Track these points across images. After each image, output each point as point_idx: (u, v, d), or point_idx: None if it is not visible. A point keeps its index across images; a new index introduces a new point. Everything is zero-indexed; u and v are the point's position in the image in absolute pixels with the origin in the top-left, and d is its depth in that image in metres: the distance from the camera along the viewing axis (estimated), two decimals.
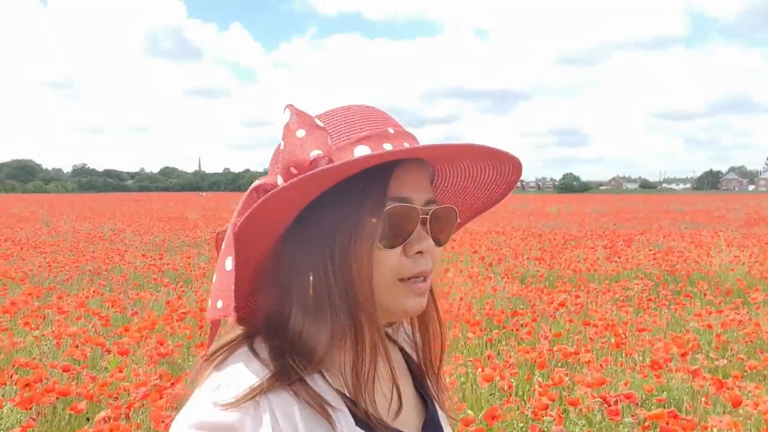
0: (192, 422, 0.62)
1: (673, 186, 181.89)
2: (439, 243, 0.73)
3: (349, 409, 0.68)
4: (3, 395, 3.70)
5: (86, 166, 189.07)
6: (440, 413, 0.82)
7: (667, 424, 2.82)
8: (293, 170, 0.65)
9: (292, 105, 0.69)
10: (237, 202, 0.69)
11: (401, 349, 0.85)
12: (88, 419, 3.35)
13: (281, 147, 0.68)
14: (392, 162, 0.69)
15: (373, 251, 0.68)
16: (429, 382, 0.83)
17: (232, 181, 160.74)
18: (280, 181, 0.67)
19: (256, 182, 0.69)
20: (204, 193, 78.73)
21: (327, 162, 0.65)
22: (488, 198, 0.85)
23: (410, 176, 0.71)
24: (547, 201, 48.78)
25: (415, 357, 0.84)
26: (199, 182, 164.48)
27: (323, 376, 0.69)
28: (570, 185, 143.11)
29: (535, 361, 3.90)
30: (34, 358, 4.33)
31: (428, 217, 0.71)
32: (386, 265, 0.69)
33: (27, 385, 3.48)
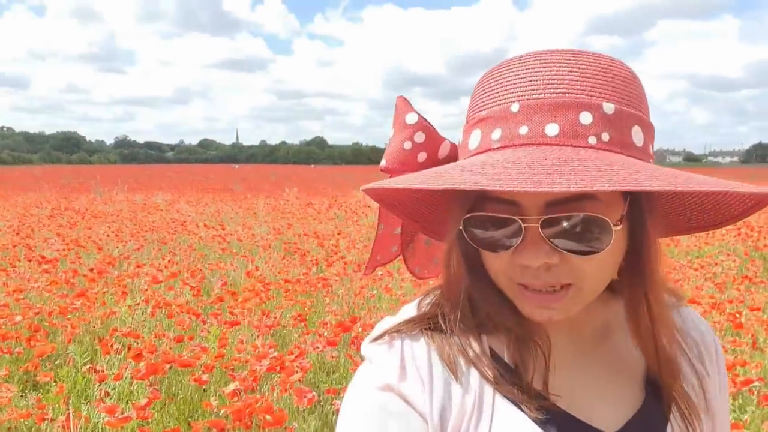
0: (362, 353, 0.68)
1: (719, 159, 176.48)
2: (577, 252, 0.56)
3: (501, 375, 0.62)
4: (108, 366, 3.68)
5: (128, 138, 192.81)
6: (676, 422, 0.65)
7: None
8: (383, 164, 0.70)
9: (401, 97, 0.69)
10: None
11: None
12: (204, 390, 3.30)
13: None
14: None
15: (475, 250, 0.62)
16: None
17: (269, 154, 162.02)
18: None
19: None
20: (236, 166, 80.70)
21: (388, 172, 0.68)
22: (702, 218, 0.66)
23: None
24: None
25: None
26: (237, 154, 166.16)
27: (480, 336, 0.65)
28: None
29: None
30: (130, 328, 4.32)
31: (538, 225, 0.56)
32: (494, 267, 0.61)
33: (138, 356, 3.44)
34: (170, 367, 3.32)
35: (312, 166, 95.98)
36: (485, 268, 0.63)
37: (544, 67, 0.57)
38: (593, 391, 0.66)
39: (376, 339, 0.66)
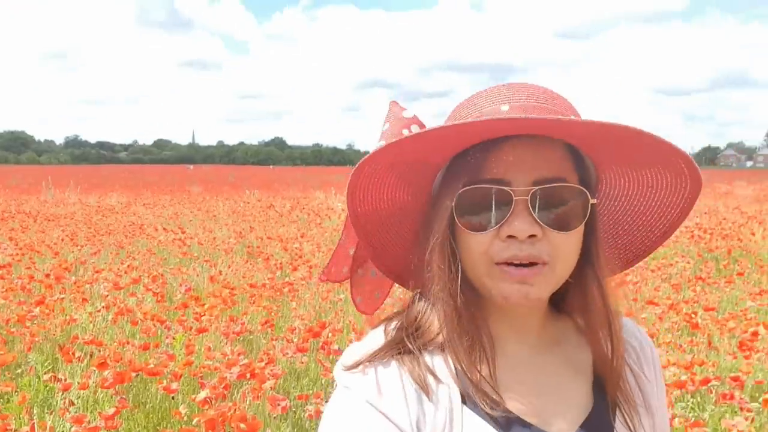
0: (336, 379, 0.71)
1: None
2: (557, 227, 0.65)
3: (467, 390, 0.68)
4: (70, 374, 3.59)
5: (79, 138, 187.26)
6: (621, 426, 0.72)
7: None
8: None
9: (394, 101, 0.74)
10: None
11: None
12: (173, 398, 3.24)
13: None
14: (498, 139, 0.65)
15: (461, 234, 0.67)
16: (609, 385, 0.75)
17: (227, 154, 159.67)
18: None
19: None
20: (191, 167, 78.90)
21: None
22: (661, 212, 0.74)
23: (512, 152, 0.65)
24: None
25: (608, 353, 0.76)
26: (194, 155, 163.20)
27: (444, 354, 0.69)
28: None
29: None
30: (94, 336, 4.22)
31: (528, 198, 0.64)
32: (476, 249, 0.66)
33: (102, 364, 3.37)
34: (137, 376, 3.26)
35: (270, 167, 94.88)
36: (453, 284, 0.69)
37: (523, 87, 0.69)
38: (548, 398, 0.71)
39: (349, 368, 0.69)
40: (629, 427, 0.72)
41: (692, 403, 3.14)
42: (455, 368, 0.69)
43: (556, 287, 0.69)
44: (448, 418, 0.66)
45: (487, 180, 0.65)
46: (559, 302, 0.76)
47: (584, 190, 0.67)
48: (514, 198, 0.64)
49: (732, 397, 2.87)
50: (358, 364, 0.69)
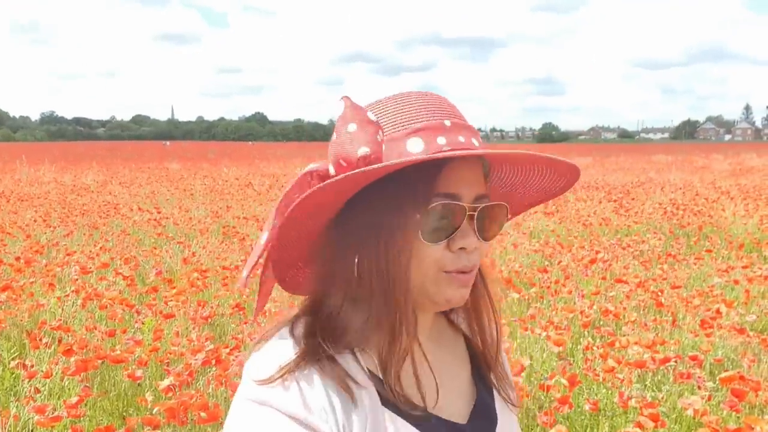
0: (240, 396, 0.70)
1: (651, 135, 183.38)
2: (486, 239, 0.74)
3: (379, 390, 0.71)
4: (38, 361, 3.56)
5: (55, 114, 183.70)
6: (499, 403, 0.84)
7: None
8: (342, 163, 0.69)
9: (347, 97, 0.72)
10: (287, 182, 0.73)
11: (465, 337, 0.87)
12: (139, 385, 3.24)
13: (333, 138, 0.71)
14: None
15: (416, 244, 0.70)
16: (490, 370, 0.85)
17: (207, 130, 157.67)
18: (332, 170, 0.70)
19: (310, 166, 0.73)
20: (167, 143, 77.56)
21: (375, 159, 0.68)
22: (541, 196, 0.85)
23: (462, 172, 0.72)
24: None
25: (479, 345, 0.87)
26: (173, 131, 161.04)
27: (356, 356, 0.72)
28: (549, 135, 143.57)
29: (587, 323, 3.86)
30: (60, 321, 4.19)
31: (476, 214, 0.72)
32: (430, 258, 0.71)
33: (68, 351, 3.35)
34: (102, 363, 3.24)
35: (250, 143, 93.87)
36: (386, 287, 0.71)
37: (443, 100, 0.76)
38: (448, 391, 0.78)
39: (265, 382, 0.68)
40: (506, 402, 0.84)
41: (652, 381, 3.21)
42: (368, 370, 0.72)
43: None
44: (372, 421, 0.69)
45: (446, 195, 0.70)
46: None
47: (507, 206, 0.76)
48: (467, 213, 0.71)
49: (689, 377, 2.93)
50: (276, 378, 0.68)
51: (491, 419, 0.81)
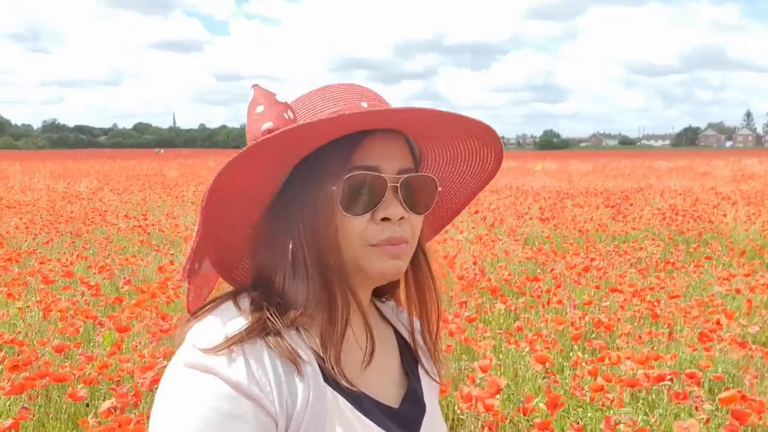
0: (180, 362, 0.67)
1: (652, 142, 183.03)
2: (416, 211, 0.75)
3: (321, 367, 0.70)
4: None
5: (56, 122, 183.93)
6: (425, 392, 0.84)
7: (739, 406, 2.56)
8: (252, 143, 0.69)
9: (257, 85, 0.74)
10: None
11: (395, 329, 0.88)
12: (87, 405, 2.98)
13: (246, 123, 0.73)
14: (362, 133, 0.72)
15: (338, 218, 0.71)
16: (421, 354, 0.86)
17: (209, 137, 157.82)
18: None
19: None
20: (161, 150, 77.16)
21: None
22: (477, 176, 0.86)
23: (379, 145, 0.73)
24: (529, 158, 48.55)
25: (408, 338, 0.88)
26: (174, 138, 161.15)
27: (300, 334, 0.72)
28: (550, 142, 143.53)
29: (579, 336, 3.59)
30: (19, 333, 3.94)
31: (398, 185, 0.73)
32: (353, 232, 0.72)
33: (15, 366, 3.10)
34: (45, 381, 2.98)
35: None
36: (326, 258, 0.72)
37: (365, 88, 0.78)
38: (381, 375, 0.80)
39: (212, 350, 0.66)
40: (432, 380, 0.86)
41: (644, 402, 2.94)
42: (312, 348, 0.71)
43: (408, 263, 0.77)
44: (315, 396, 0.68)
45: (363, 167, 0.71)
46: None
47: (434, 179, 0.78)
48: (389, 185, 0.72)
49: (686, 397, 2.66)
50: (224, 347, 0.66)
51: (421, 407, 0.82)
